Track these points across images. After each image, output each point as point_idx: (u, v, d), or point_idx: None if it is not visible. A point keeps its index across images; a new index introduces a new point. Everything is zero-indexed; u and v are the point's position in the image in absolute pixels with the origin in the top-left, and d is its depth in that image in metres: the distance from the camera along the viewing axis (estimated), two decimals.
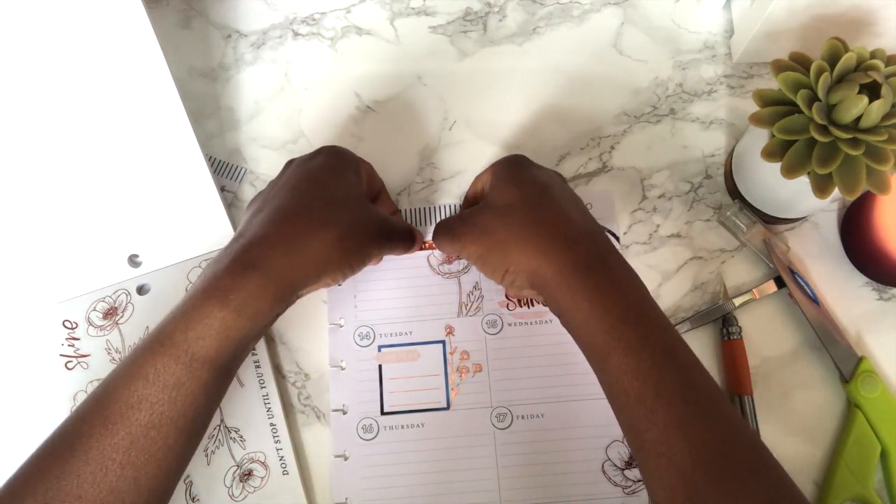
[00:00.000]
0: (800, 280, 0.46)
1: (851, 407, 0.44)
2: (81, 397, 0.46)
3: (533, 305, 0.47)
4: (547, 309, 0.47)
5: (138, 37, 0.44)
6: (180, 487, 0.44)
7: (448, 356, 0.46)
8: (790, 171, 0.39)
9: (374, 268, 0.48)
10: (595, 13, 0.54)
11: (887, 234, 0.44)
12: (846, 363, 0.45)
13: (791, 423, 0.45)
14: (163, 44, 0.44)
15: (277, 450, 0.45)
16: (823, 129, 0.38)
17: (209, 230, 0.48)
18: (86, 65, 0.44)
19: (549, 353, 0.46)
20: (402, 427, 0.45)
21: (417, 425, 0.45)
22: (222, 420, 0.45)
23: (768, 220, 0.48)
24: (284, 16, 0.55)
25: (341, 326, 0.47)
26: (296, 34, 0.54)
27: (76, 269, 0.47)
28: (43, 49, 0.43)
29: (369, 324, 0.47)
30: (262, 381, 0.46)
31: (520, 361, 0.46)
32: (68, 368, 0.46)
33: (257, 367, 0.46)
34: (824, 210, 0.49)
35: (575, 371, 0.46)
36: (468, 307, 0.47)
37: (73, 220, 0.46)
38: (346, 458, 0.45)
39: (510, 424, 0.45)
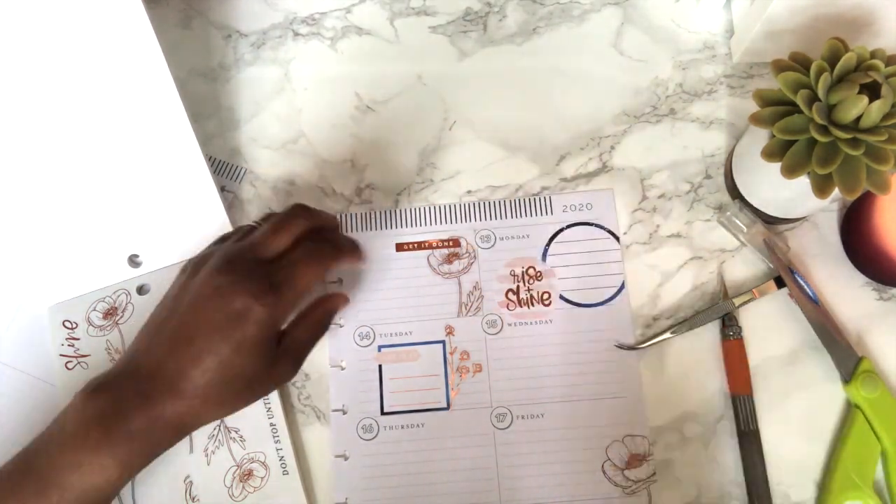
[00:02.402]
0: (800, 280, 0.46)
1: (851, 407, 0.44)
2: None
3: (533, 305, 0.47)
4: (548, 309, 0.47)
5: (138, 37, 0.44)
6: (180, 488, 0.44)
7: (448, 356, 0.46)
8: (790, 172, 0.39)
9: (374, 268, 0.48)
10: (595, 13, 0.54)
11: (887, 234, 0.44)
12: (846, 363, 0.45)
13: (791, 423, 0.45)
14: (163, 44, 0.44)
15: (277, 450, 0.45)
16: (823, 129, 0.38)
17: (209, 230, 0.48)
18: (85, 65, 0.44)
19: (549, 353, 0.46)
20: (402, 427, 0.45)
21: (417, 425, 0.45)
22: (222, 420, 0.45)
23: (768, 220, 0.48)
24: (284, 16, 0.55)
25: (341, 326, 0.47)
26: (296, 34, 0.54)
27: (76, 268, 0.47)
28: (42, 49, 0.43)
29: (369, 324, 0.47)
30: None
31: (520, 361, 0.46)
32: (68, 368, 0.46)
33: None
34: (824, 210, 0.49)
35: (575, 371, 0.46)
36: (468, 307, 0.47)
37: (73, 219, 0.46)
38: (346, 458, 0.45)
39: (510, 424, 0.45)
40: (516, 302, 0.47)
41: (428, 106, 0.52)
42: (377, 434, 0.45)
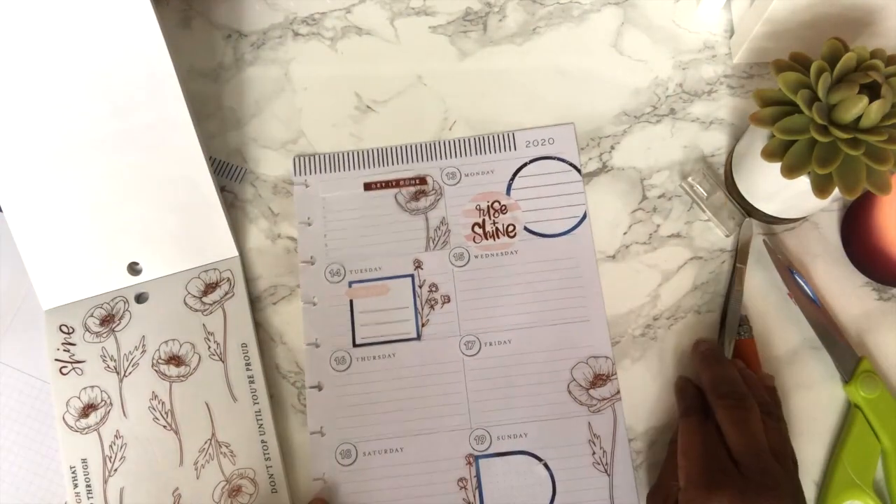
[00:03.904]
0: (800, 280, 0.46)
1: (851, 407, 0.44)
2: (74, 403, 0.45)
3: (499, 238, 0.49)
4: (513, 240, 0.49)
5: (145, 38, 0.43)
6: (168, 500, 0.44)
7: (417, 289, 0.48)
8: (790, 172, 0.39)
9: (343, 207, 0.50)
10: (595, 13, 0.54)
11: (887, 234, 0.44)
12: (846, 363, 0.45)
13: (791, 423, 0.45)
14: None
15: (267, 467, 0.44)
16: (823, 129, 0.38)
17: (210, 242, 0.48)
18: (91, 68, 0.43)
19: (515, 283, 0.48)
20: (374, 358, 0.47)
21: (389, 356, 0.47)
22: (213, 434, 0.45)
23: (768, 220, 0.48)
24: (284, 16, 0.55)
25: (312, 264, 0.48)
26: (296, 34, 0.54)
27: (77, 273, 0.47)
28: (44, 50, 0.43)
29: (339, 261, 0.49)
30: (255, 397, 0.45)
31: (487, 291, 0.48)
32: (62, 374, 0.46)
33: (251, 382, 0.46)
34: (824, 210, 0.49)
35: (540, 298, 0.48)
36: (435, 241, 0.49)
37: (75, 223, 0.46)
38: (320, 389, 0.46)
39: (478, 351, 0.47)
40: (482, 235, 0.49)
41: (428, 106, 0.52)
42: (350, 365, 0.47)
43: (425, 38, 0.54)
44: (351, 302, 0.48)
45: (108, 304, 0.47)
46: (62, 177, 0.45)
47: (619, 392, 0.46)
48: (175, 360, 0.46)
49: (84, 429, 0.45)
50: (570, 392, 0.46)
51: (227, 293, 0.47)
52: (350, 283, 0.48)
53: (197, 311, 0.47)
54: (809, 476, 0.44)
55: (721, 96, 0.52)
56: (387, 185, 0.50)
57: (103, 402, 0.45)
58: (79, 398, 0.45)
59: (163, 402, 0.45)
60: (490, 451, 0.45)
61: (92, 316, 0.47)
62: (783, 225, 0.48)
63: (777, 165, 0.39)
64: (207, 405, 0.45)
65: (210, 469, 0.44)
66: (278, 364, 0.47)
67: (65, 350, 0.46)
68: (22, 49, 0.43)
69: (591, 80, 0.52)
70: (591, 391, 0.46)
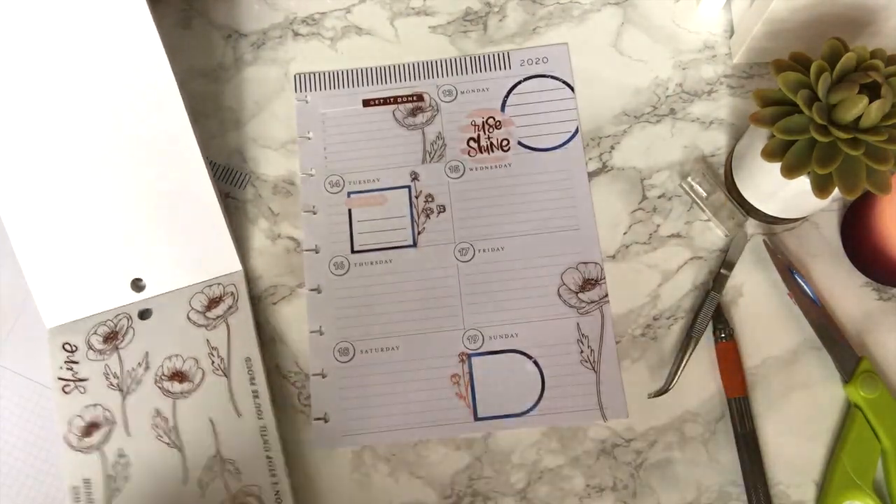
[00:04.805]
0: (800, 280, 0.46)
1: (851, 407, 0.44)
2: (77, 422, 0.45)
3: (493, 151, 0.50)
4: (506, 154, 0.50)
5: (146, 52, 0.43)
6: None
7: (414, 199, 0.49)
8: (790, 171, 0.39)
9: (342, 122, 0.51)
10: (595, 13, 0.54)
11: (887, 234, 0.44)
12: (846, 363, 0.45)
13: (791, 423, 0.45)
14: (163, 44, 0.44)
15: (273, 483, 0.44)
16: (823, 129, 0.38)
17: (213, 257, 0.48)
18: (90, 81, 0.43)
19: (508, 193, 0.50)
20: (372, 263, 0.49)
21: (386, 261, 0.49)
22: (218, 450, 0.44)
23: (768, 220, 0.48)
24: (284, 16, 0.55)
25: (312, 176, 0.50)
26: (296, 34, 0.54)
27: (80, 290, 0.46)
28: (45, 65, 0.42)
29: (339, 172, 0.50)
30: (259, 412, 0.45)
31: (481, 202, 0.50)
32: (65, 392, 0.45)
33: (255, 397, 0.45)
34: (824, 210, 0.49)
35: (532, 208, 0.49)
36: (432, 155, 0.50)
37: (78, 240, 0.46)
38: (319, 292, 0.48)
39: (472, 257, 0.49)
40: (477, 149, 0.50)
41: None
42: (348, 270, 0.48)
43: (425, 38, 0.54)
44: (350, 211, 0.49)
45: (111, 321, 0.46)
46: (64, 193, 0.45)
47: (606, 295, 0.47)
48: (179, 376, 0.46)
49: (87, 448, 0.44)
50: (559, 295, 0.47)
51: (230, 308, 0.47)
52: (349, 194, 0.50)
53: (201, 326, 0.47)
54: (809, 476, 0.44)
55: (721, 96, 0.52)
56: (385, 101, 0.51)
57: (106, 421, 0.45)
58: (81, 417, 0.45)
59: (166, 419, 0.45)
60: (482, 350, 0.47)
61: (95, 333, 0.46)
62: (783, 225, 0.48)
63: (777, 165, 0.39)
64: (211, 421, 0.45)
65: (215, 487, 0.44)
66: (278, 364, 0.47)
67: (67, 368, 0.45)
68: (23, 64, 0.42)
69: (590, 80, 0.52)
70: (580, 294, 0.47)
